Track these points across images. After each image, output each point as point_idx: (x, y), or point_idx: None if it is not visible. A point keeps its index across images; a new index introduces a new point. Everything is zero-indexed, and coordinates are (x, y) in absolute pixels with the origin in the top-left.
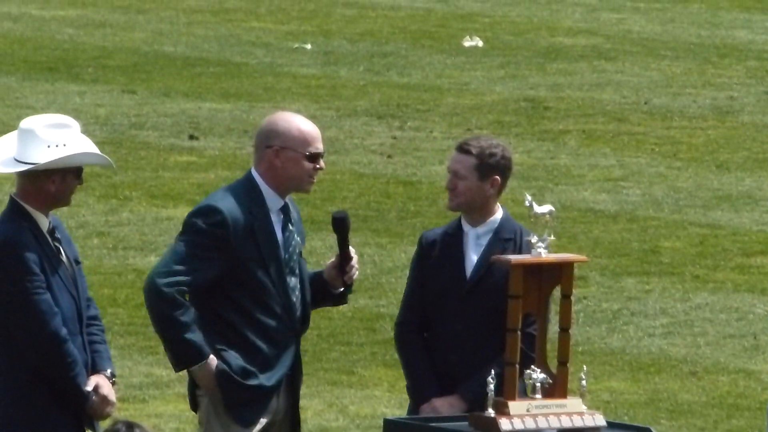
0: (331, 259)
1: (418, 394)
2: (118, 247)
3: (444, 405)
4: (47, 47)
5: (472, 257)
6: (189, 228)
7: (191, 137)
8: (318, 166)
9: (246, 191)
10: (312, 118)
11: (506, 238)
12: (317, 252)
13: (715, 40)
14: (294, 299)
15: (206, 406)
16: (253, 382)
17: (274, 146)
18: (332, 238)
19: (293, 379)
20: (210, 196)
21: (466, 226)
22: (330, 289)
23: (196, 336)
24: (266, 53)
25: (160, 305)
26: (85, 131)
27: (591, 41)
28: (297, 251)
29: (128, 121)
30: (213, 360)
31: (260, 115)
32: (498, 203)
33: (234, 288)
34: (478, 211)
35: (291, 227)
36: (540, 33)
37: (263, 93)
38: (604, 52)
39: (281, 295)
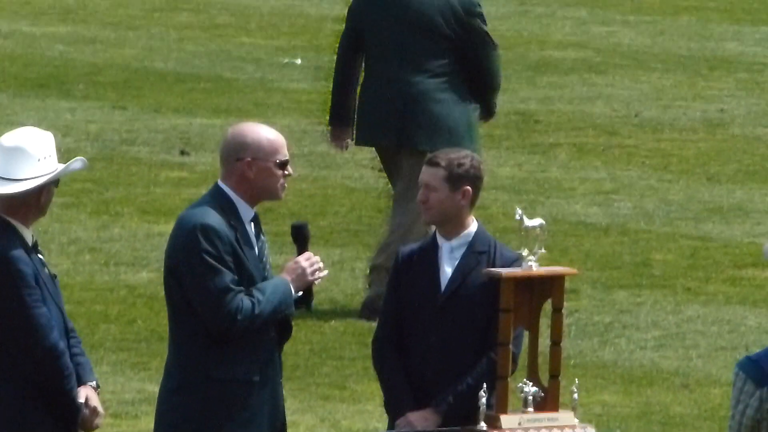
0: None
1: (393, 409)
2: (109, 263)
3: (418, 418)
4: (38, 64)
5: (447, 270)
6: (196, 255)
7: (182, 153)
8: (287, 172)
9: (219, 205)
10: (303, 133)
11: (480, 251)
12: None
13: (705, 53)
14: None
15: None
16: (249, 399)
17: (245, 159)
18: (324, 252)
19: (281, 386)
20: (188, 216)
21: (440, 240)
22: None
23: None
24: (257, 68)
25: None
26: (77, 148)
27: (581, 54)
28: (268, 261)
29: (119, 137)
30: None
31: None
32: (472, 216)
33: None
34: (452, 223)
35: (263, 237)
36: (530, 46)
37: (254, 108)
38: (594, 65)
39: None
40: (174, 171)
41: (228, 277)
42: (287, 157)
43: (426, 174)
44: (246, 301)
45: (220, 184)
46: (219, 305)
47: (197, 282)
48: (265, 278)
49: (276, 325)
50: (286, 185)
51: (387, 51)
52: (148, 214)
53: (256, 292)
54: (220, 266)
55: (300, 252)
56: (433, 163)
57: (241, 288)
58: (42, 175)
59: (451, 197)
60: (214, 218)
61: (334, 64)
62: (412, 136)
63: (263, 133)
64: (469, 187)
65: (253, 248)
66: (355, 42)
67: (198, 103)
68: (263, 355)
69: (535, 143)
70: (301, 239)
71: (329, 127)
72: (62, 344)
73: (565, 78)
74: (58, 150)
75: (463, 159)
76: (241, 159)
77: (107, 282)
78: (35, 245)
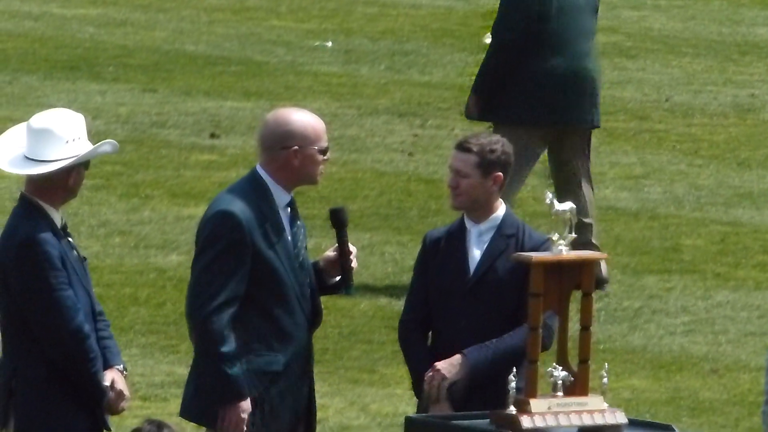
0: (329, 250)
1: (421, 392)
2: (139, 246)
3: (446, 366)
4: (68, 46)
5: (475, 254)
6: (208, 242)
7: (212, 136)
8: (326, 157)
9: (253, 190)
10: (333, 116)
11: (509, 234)
12: None
13: (737, 38)
14: (307, 294)
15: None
16: (274, 395)
17: (291, 147)
18: (353, 236)
19: (310, 374)
20: (217, 200)
21: (468, 224)
22: (325, 278)
23: (238, 371)
24: (287, 52)
25: (206, 339)
26: (107, 130)
27: (612, 39)
28: (304, 245)
29: (149, 119)
30: (248, 403)
31: None
32: (500, 200)
33: (253, 287)
34: (481, 209)
35: (298, 222)
36: None
37: (284, 91)
38: (624, 49)
39: (296, 291)
40: (204, 154)
41: (227, 282)
42: (327, 143)
43: (457, 159)
44: (223, 320)
45: (258, 169)
46: (196, 293)
47: (197, 261)
48: (301, 264)
49: (307, 313)
50: (323, 170)
51: (571, 32)
52: (178, 197)
53: (235, 334)
54: (225, 261)
55: (338, 236)
56: (465, 149)
57: (228, 301)
58: (69, 158)
59: (482, 183)
60: (238, 205)
61: (502, 41)
62: (597, 115)
63: (307, 120)
64: (500, 173)
65: (284, 234)
66: (537, 24)
67: (228, 86)
68: (290, 345)
69: None
70: (338, 224)
71: (476, 97)
72: (87, 327)
73: None
74: (89, 132)
75: (494, 145)
76: (287, 147)
77: (137, 265)
78: (64, 227)
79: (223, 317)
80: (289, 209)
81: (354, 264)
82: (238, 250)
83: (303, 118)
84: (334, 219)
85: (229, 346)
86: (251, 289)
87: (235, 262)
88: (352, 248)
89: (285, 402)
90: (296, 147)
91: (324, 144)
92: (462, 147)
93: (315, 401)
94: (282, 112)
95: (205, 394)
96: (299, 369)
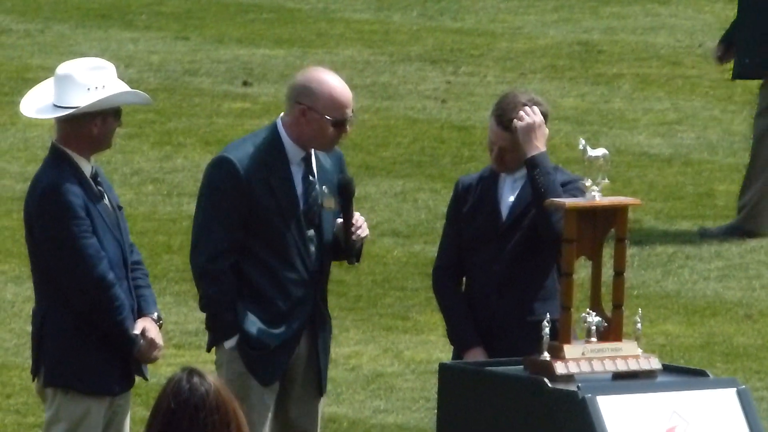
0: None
1: (457, 341)
2: (172, 194)
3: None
4: None
5: (508, 199)
6: (204, 188)
7: (245, 83)
8: (343, 131)
9: (267, 141)
10: (365, 63)
11: None
12: (371, 198)
13: None
14: (312, 249)
15: (225, 356)
16: (268, 338)
17: (303, 104)
18: (386, 183)
19: (313, 328)
20: (228, 145)
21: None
22: (340, 242)
23: (230, 314)
24: None
25: (204, 286)
26: (139, 78)
27: None
28: (318, 202)
29: (182, 67)
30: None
31: (314, 61)
32: None
33: (249, 238)
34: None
35: (312, 178)
36: None
37: (316, 39)
38: None
39: (298, 246)
40: (236, 102)
41: (222, 231)
42: (345, 117)
43: (500, 138)
44: (218, 269)
45: (278, 120)
46: (194, 243)
47: (197, 208)
48: (310, 221)
49: (311, 270)
50: (339, 141)
51: None
52: (211, 145)
53: (230, 295)
54: (220, 209)
55: (345, 209)
56: (507, 128)
57: (224, 251)
58: (78, 107)
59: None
60: (240, 153)
61: None
62: None
63: (329, 86)
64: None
65: (290, 188)
66: None
67: (260, 34)
68: (288, 299)
69: (599, 74)
70: (344, 195)
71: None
72: (111, 275)
73: (629, 8)
74: (123, 80)
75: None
76: (299, 103)
77: (170, 213)
78: (95, 176)
79: (219, 266)
80: (303, 164)
81: (364, 233)
82: (231, 197)
83: (327, 82)
84: (341, 190)
85: (222, 292)
86: (247, 238)
87: (230, 210)
88: (360, 219)
89: (281, 354)
90: (306, 106)
91: (338, 116)
92: (505, 126)
93: (319, 357)
94: (314, 70)
95: (209, 333)
96: (298, 324)
